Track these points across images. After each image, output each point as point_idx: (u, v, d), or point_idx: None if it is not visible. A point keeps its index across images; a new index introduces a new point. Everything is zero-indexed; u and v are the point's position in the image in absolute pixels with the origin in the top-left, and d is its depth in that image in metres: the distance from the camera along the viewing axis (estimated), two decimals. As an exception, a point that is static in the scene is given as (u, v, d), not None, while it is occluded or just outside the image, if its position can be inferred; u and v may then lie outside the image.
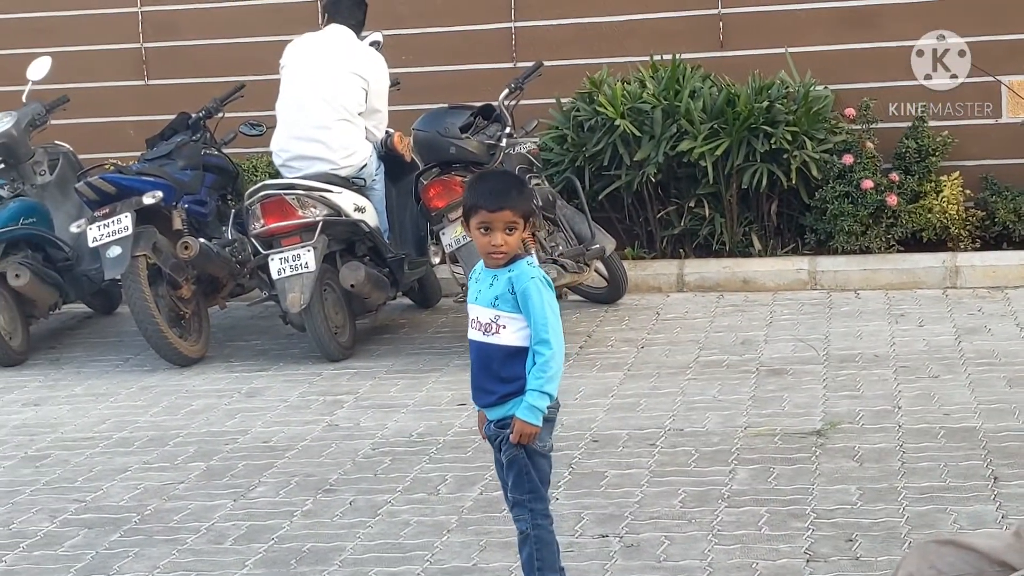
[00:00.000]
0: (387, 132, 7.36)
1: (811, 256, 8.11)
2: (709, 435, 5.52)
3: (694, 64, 8.32)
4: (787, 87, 8.08)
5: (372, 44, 7.42)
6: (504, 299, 3.79)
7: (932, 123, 8.20)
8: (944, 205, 7.96)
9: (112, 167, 7.60)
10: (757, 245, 8.21)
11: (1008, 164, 8.25)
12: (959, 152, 8.18)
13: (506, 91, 7.25)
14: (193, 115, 7.81)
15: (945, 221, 7.97)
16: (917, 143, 8.08)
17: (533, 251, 6.66)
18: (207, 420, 6.23)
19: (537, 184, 7.26)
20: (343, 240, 7.16)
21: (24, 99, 7.99)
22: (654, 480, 5.07)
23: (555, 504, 4.69)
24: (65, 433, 6.18)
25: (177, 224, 7.26)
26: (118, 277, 7.01)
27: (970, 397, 5.79)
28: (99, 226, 7.00)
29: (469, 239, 3.75)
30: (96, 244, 7.01)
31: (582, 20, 8.70)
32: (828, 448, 5.27)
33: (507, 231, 3.79)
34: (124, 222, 6.96)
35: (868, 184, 7.90)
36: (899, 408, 5.70)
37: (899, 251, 8.02)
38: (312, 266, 6.82)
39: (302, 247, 6.85)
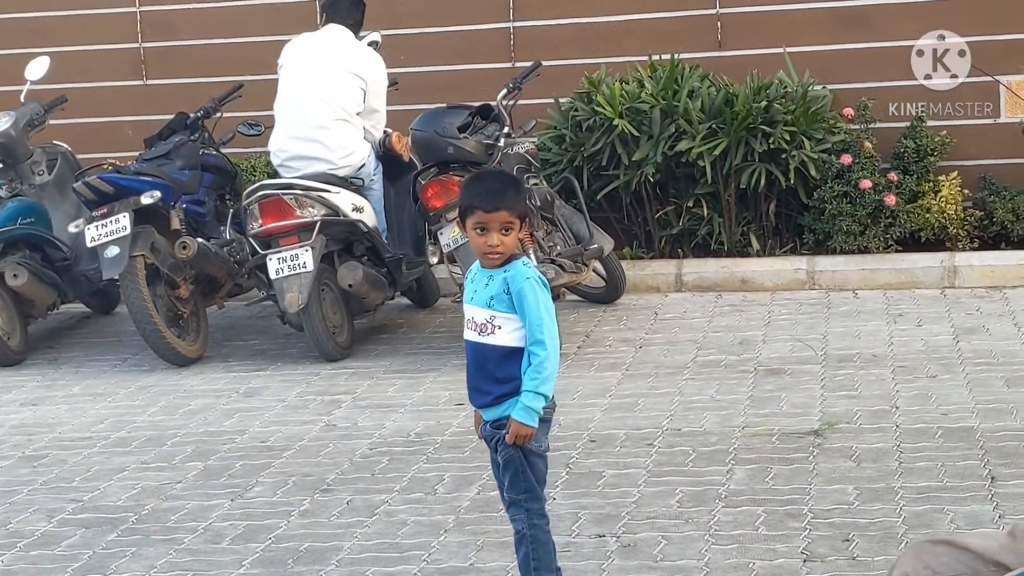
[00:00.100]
0: (385, 132, 7.36)
1: (809, 256, 8.11)
2: (707, 435, 5.52)
3: (692, 64, 8.32)
4: (785, 87, 8.08)
5: (370, 44, 7.42)
6: (500, 299, 3.79)
7: (931, 123, 8.20)
8: (942, 205, 7.96)
9: (110, 167, 7.60)
10: (755, 245, 8.21)
11: (1006, 164, 8.25)
12: (957, 152, 8.19)
13: (504, 91, 7.24)
14: (191, 115, 7.81)
15: (943, 221, 7.97)
16: (915, 143, 8.08)
17: (531, 251, 6.66)
18: (205, 420, 6.23)
19: (535, 184, 7.26)
20: (341, 240, 7.16)
21: (22, 99, 7.99)
22: (651, 480, 5.07)
23: (552, 504, 4.69)
24: (63, 433, 6.18)
25: (175, 224, 7.26)
26: (116, 277, 7.01)
27: (968, 397, 5.79)
28: (97, 226, 7.00)
29: (467, 239, 3.74)
30: (94, 244, 7.01)
31: (580, 20, 8.70)
32: (825, 448, 5.27)
33: (503, 231, 3.78)
34: (122, 222, 6.97)
35: (866, 184, 7.90)
36: (897, 408, 5.70)
37: (897, 251, 8.02)
38: (310, 266, 6.82)
39: (300, 247, 6.86)
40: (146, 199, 7.03)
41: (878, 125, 8.18)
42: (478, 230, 3.80)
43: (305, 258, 6.83)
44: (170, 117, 7.91)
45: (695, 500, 4.84)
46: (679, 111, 7.98)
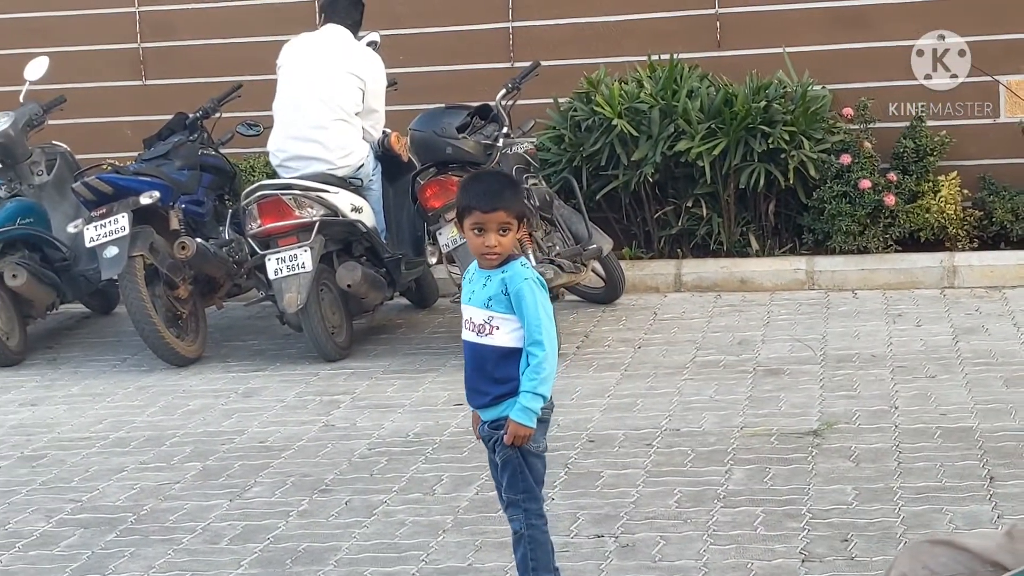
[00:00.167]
0: (384, 132, 7.36)
1: (809, 256, 8.10)
2: (705, 435, 5.52)
3: (691, 64, 8.32)
4: (785, 87, 8.08)
5: (369, 44, 7.41)
6: (498, 300, 3.79)
7: (930, 123, 8.20)
8: (942, 205, 7.95)
9: (109, 167, 7.59)
10: (755, 245, 8.20)
11: (1006, 164, 8.24)
12: (957, 152, 8.18)
13: (503, 91, 7.24)
14: (190, 115, 7.81)
15: (943, 221, 7.96)
16: (915, 143, 8.08)
17: (530, 251, 6.66)
18: (204, 420, 6.23)
19: (534, 184, 7.26)
20: (340, 240, 7.16)
21: (21, 99, 7.99)
22: (650, 480, 5.06)
23: (551, 504, 4.69)
24: (62, 433, 6.18)
25: (174, 224, 7.26)
26: (115, 277, 7.01)
27: (967, 397, 5.79)
28: (96, 226, 7.00)
29: (465, 239, 3.76)
30: (93, 244, 7.01)
31: (579, 20, 8.70)
32: (824, 448, 5.27)
33: (501, 232, 3.78)
34: (121, 222, 6.97)
35: (866, 184, 7.90)
36: (896, 408, 5.70)
37: (897, 251, 8.02)
38: (309, 266, 6.82)
39: (299, 247, 6.85)
40: (145, 199, 7.03)
41: (877, 125, 8.17)
42: (476, 231, 3.79)
43: (304, 258, 6.83)
44: (169, 117, 7.91)
45: (694, 500, 4.83)
46: (678, 111, 7.98)
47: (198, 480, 5.43)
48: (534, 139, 7.70)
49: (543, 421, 3.86)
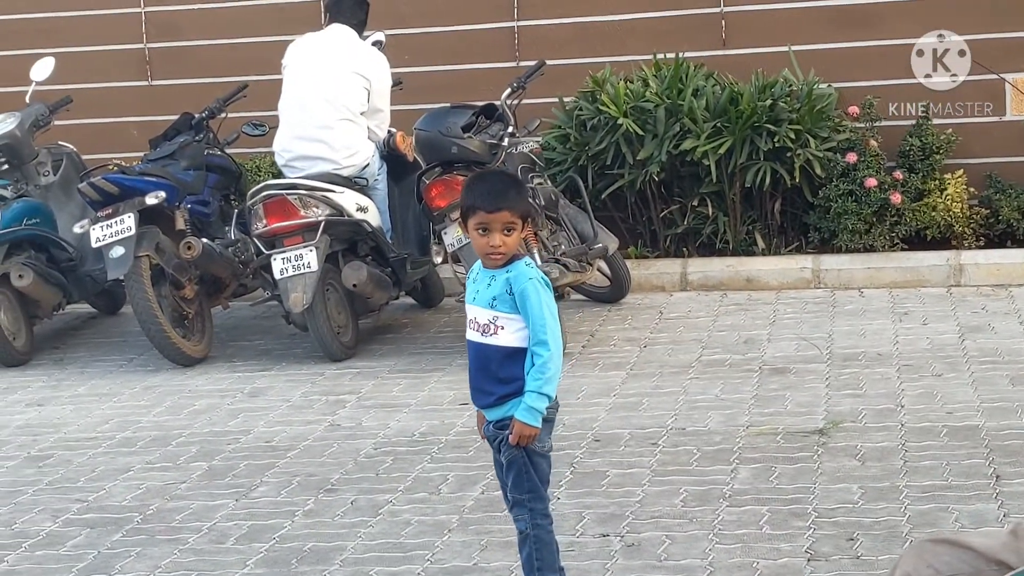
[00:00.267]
0: (389, 132, 7.36)
1: (815, 255, 8.10)
2: (711, 434, 5.52)
3: (697, 63, 8.32)
4: (790, 85, 8.08)
5: (374, 44, 7.41)
6: (502, 300, 3.78)
7: (936, 121, 8.19)
8: (948, 203, 7.94)
9: (115, 167, 7.60)
10: (760, 244, 8.20)
11: (1012, 162, 8.23)
12: (963, 150, 8.17)
13: (508, 90, 7.24)
14: (196, 115, 7.81)
15: (949, 219, 7.95)
16: (921, 141, 8.07)
17: (536, 251, 6.66)
18: (210, 420, 6.23)
19: (539, 183, 7.25)
20: (345, 240, 7.16)
21: (28, 100, 8.00)
22: (655, 479, 5.06)
23: (556, 503, 4.69)
24: (68, 433, 6.19)
25: (180, 224, 7.27)
26: (121, 277, 7.02)
27: (973, 395, 5.78)
28: (102, 226, 7.01)
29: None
30: (99, 244, 7.02)
31: (585, 19, 8.70)
32: (830, 447, 5.27)
33: (505, 232, 3.77)
34: (127, 222, 6.97)
35: (872, 182, 7.89)
36: (902, 407, 5.69)
37: (903, 249, 8.01)
38: (314, 266, 6.82)
39: (304, 247, 6.86)
40: (151, 199, 7.04)
41: (883, 123, 8.16)
42: (480, 230, 3.79)
43: (309, 258, 6.83)
44: (175, 117, 7.91)
45: (699, 499, 4.83)
46: (684, 110, 7.97)
47: (204, 480, 5.44)
48: (539, 138, 7.70)
49: (548, 421, 3.86)
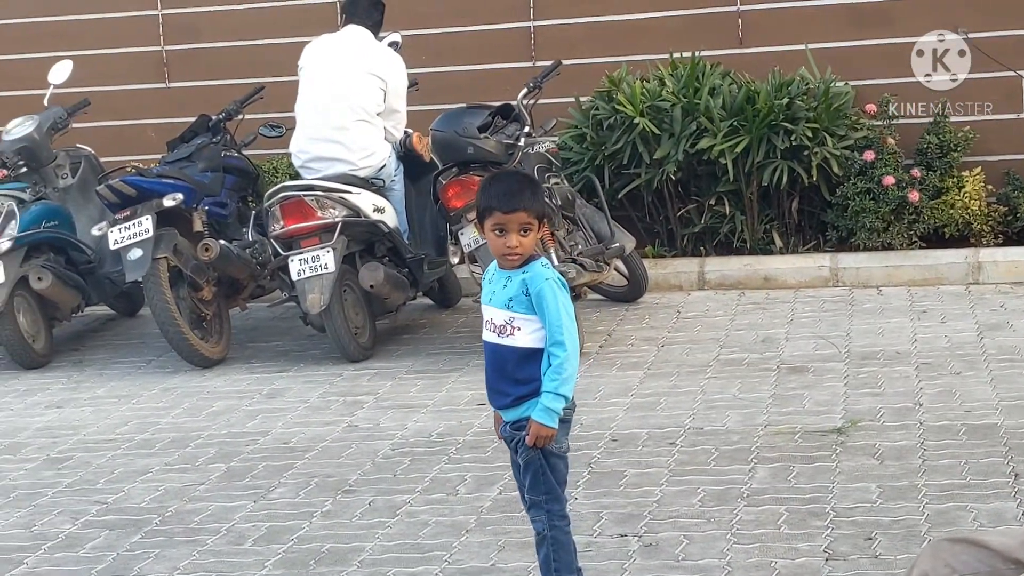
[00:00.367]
0: (406, 132, 7.37)
1: (832, 253, 8.08)
2: (729, 434, 5.51)
3: (713, 61, 8.30)
4: (807, 83, 8.06)
5: (391, 45, 7.42)
6: (519, 300, 3.78)
7: (953, 118, 8.16)
8: (966, 201, 7.92)
9: (133, 170, 7.62)
10: (778, 242, 8.18)
11: (1030, 159, 8.21)
12: (981, 147, 8.14)
13: (525, 90, 7.24)
14: (213, 117, 7.84)
15: (967, 217, 7.93)
16: (939, 138, 8.04)
17: (552, 251, 6.66)
18: (228, 421, 6.25)
19: (556, 183, 7.25)
20: (363, 241, 7.17)
21: (46, 103, 8.03)
22: (673, 479, 5.06)
23: (574, 503, 4.69)
24: (87, 435, 6.21)
25: (198, 226, 7.29)
26: (139, 279, 7.04)
27: (992, 394, 5.76)
28: (120, 228, 7.03)
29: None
30: (117, 247, 7.05)
31: (601, 19, 8.69)
32: (848, 446, 5.25)
33: (522, 232, 3.77)
34: (145, 224, 7.00)
35: (889, 180, 7.87)
36: (920, 405, 5.68)
37: (921, 247, 7.99)
38: (331, 267, 6.83)
39: (321, 248, 6.87)
40: (168, 201, 7.06)
41: (901, 121, 8.14)
42: (497, 231, 3.78)
43: (326, 259, 6.84)
44: (192, 120, 7.94)
45: (717, 499, 4.82)
46: (700, 109, 7.96)
47: (222, 481, 5.45)
48: (556, 138, 7.70)
49: (565, 421, 3.85)
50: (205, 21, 9.22)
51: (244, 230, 7.68)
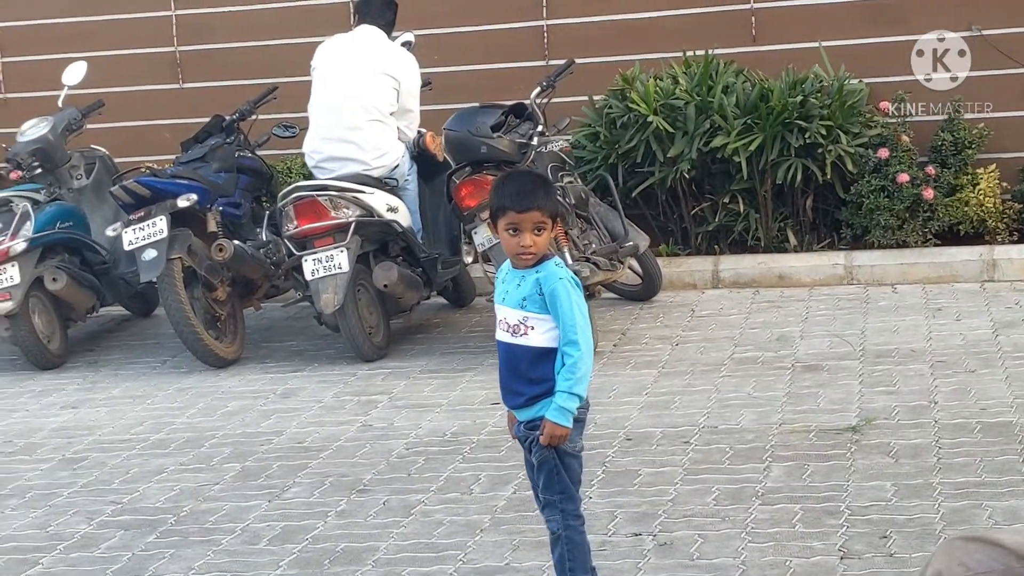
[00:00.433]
0: (419, 132, 7.37)
1: (847, 251, 8.06)
2: (743, 432, 5.50)
3: (727, 59, 8.29)
4: (821, 81, 8.05)
5: (404, 44, 7.42)
6: (532, 300, 3.77)
7: (967, 116, 8.14)
8: (981, 198, 7.90)
9: (147, 170, 7.64)
10: (792, 240, 8.17)
11: (1046, 156, 8.18)
12: (995, 144, 8.12)
13: (538, 89, 7.23)
14: (227, 118, 7.85)
15: (982, 214, 7.91)
16: (953, 136, 8.02)
17: (566, 249, 6.66)
18: (242, 421, 6.26)
19: (570, 182, 7.25)
20: (376, 240, 7.18)
21: (60, 104, 8.05)
22: (688, 478, 5.05)
23: (588, 503, 4.69)
24: (102, 435, 6.22)
25: (212, 226, 7.31)
26: (154, 280, 7.06)
27: (1007, 391, 5.74)
28: (134, 229, 7.05)
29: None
30: (132, 247, 7.06)
31: (614, 17, 8.69)
32: (863, 444, 5.24)
33: (536, 231, 3.76)
34: (159, 225, 7.01)
35: (904, 178, 7.85)
36: (935, 403, 5.66)
37: (936, 245, 7.97)
38: (345, 267, 6.84)
39: (335, 248, 6.87)
40: (183, 202, 7.08)
41: (915, 118, 8.12)
42: (510, 231, 3.78)
43: (340, 259, 6.85)
44: (206, 120, 7.96)
45: (732, 498, 4.82)
46: (714, 107, 7.96)
47: (237, 481, 5.46)
48: (569, 137, 7.70)
49: (579, 421, 3.85)
50: (219, 22, 9.23)
51: (258, 230, 7.70)
